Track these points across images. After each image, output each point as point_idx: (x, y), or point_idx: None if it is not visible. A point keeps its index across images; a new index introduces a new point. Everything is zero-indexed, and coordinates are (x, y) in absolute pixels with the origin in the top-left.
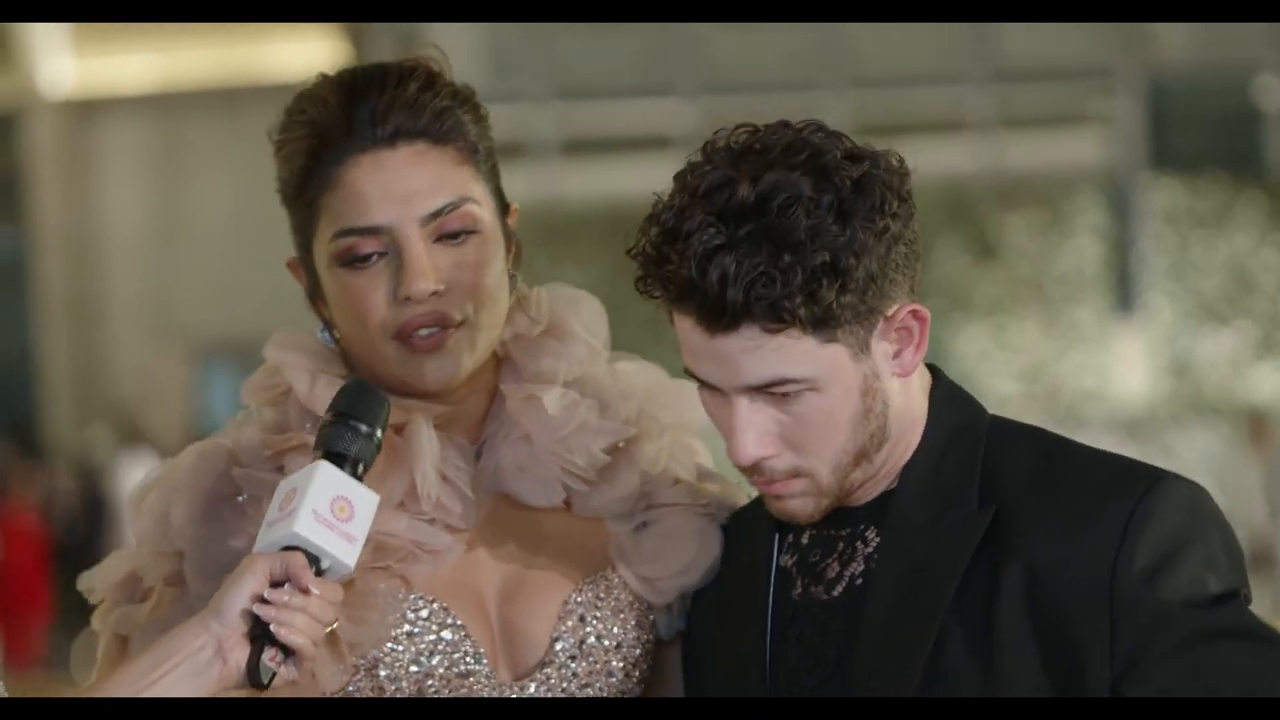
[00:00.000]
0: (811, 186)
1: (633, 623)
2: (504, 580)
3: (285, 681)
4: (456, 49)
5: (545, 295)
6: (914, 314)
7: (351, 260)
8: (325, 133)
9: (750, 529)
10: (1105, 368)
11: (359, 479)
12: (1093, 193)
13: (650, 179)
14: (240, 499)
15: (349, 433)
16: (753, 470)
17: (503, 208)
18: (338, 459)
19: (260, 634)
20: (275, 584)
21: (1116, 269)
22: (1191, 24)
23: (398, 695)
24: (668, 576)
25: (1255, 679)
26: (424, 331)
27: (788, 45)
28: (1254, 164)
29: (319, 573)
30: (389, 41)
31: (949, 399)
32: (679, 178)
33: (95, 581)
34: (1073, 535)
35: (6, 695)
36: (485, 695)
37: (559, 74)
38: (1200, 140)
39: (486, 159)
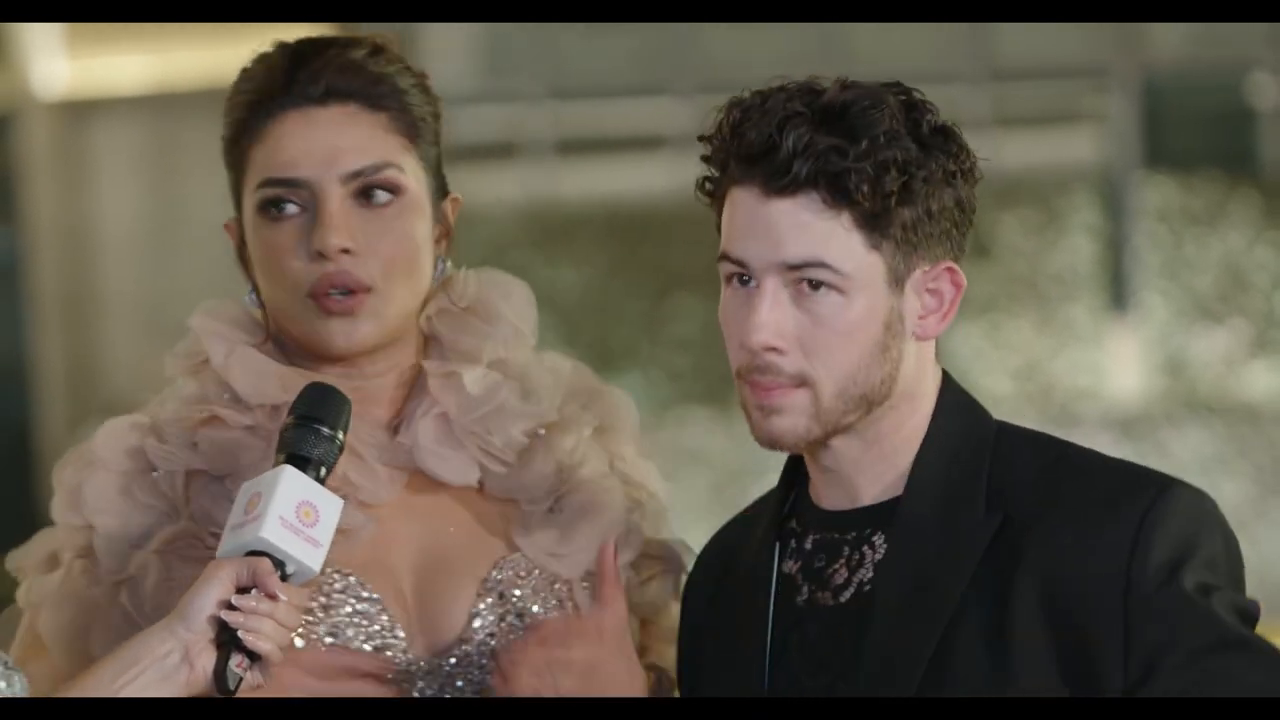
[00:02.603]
0: (900, 110)
1: (554, 602)
2: (420, 557)
3: (251, 687)
4: (451, 48)
5: (474, 278)
6: (952, 276)
7: (271, 212)
8: (264, 89)
9: (747, 536)
10: (1099, 366)
11: (322, 482)
12: (1087, 191)
13: (645, 178)
14: (155, 475)
15: (312, 435)
16: (759, 370)
17: (441, 192)
18: (301, 462)
19: (227, 640)
20: (241, 589)
21: (1110, 267)
22: (1186, 22)
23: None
24: (573, 552)
25: (1265, 691)
26: (335, 294)
27: (783, 44)
28: (1248, 162)
29: (284, 577)
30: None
31: (956, 404)
32: (756, 93)
33: (19, 559)
34: (1085, 543)
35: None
36: (401, 668)
37: (553, 74)
38: (1194, 138)
39: (429, 138)
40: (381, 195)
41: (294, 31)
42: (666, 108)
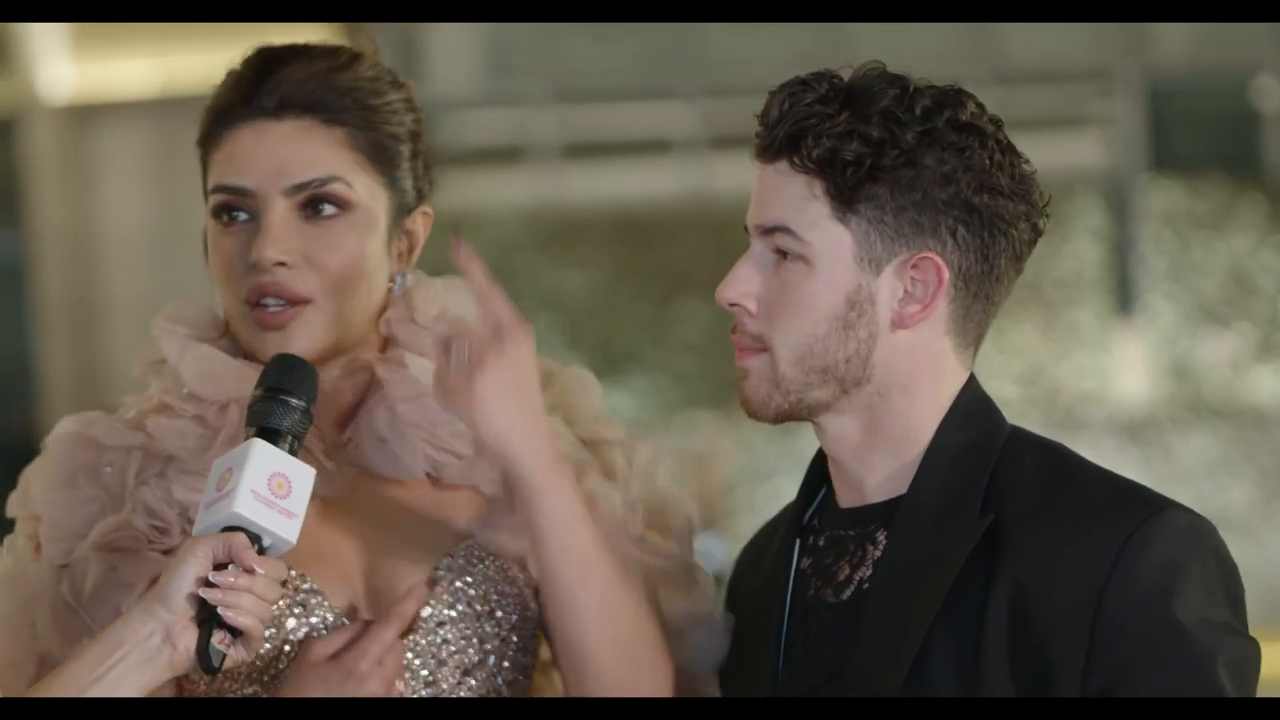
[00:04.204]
0: (917, 99)
1: (506, 588)
2: (370, 548)
3: (235, 663)
4: (455, 51)
5: (440, 289)
6: (936, 269)
7: (223, 219)
8: (230, 97)
9: (776, 534)
10: (1105, 370)
11: (293, 453)
12: (1092, 195)
13: (651, 182)
14: (108, 469)
15: (280, 407)
16: (733, 329)
17: (405, 208)
18: (271, 435)
19: (208, 617)
20: (218, 566)
21: (1116, 271)
22: (1190, 25)
23: (256, 660)
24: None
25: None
26: (271, 304)
27: (788, 48)
28: (1253, 166)
29: (261, 551)
30: (387, 44)
31: (971, 407)
32: None
33: None
34: (1065, 553)
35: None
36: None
37: (559, 77)
38: (1200, 142)
39: (399, 153)
40: (327, 209)
41: (297, 33)
42: (672, 111)
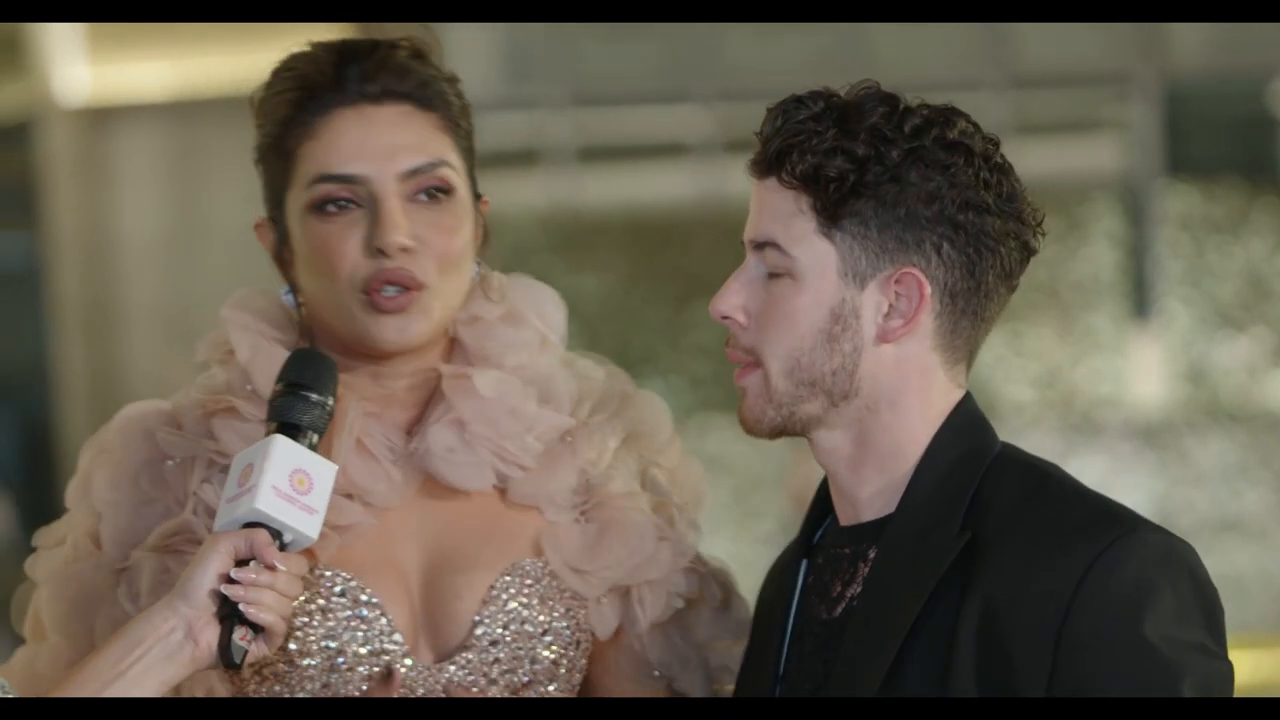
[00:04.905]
0: (917, 119)
1: (561, 611)
2: (429, 560)
3: (257, 659)
4: (472, 54)
5: (507, 281)
6: (918, 284)
7: (325, 207)
8: (313, 86)
9: (788, 554)
10: (1121, 374)
11: (314, 449)
12: (1108, 199)
13: (667, 185)
14: (170, 463)
15: (301, 403)
16: (727, 343)
17: (475, 194)
18: (292, 430)
19: (229, 613)
20: (240, 562)
21: (1132, 275)
22: (1207, 30)
23: (309, 670)
24: (598, 570)
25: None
26: (390, 290)
27: (803, 52)
28: (1269, 170)
29: (282, 547)
30: None
31: (962, 425)
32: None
33: (42, 538)
34: (1035, 571)
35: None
36: (401, 674)
37: (575, 80)
38: (1216, 146)
39: (465, 139)
40: (435, 194)
41: (315, 33)
42: (688, 115)
